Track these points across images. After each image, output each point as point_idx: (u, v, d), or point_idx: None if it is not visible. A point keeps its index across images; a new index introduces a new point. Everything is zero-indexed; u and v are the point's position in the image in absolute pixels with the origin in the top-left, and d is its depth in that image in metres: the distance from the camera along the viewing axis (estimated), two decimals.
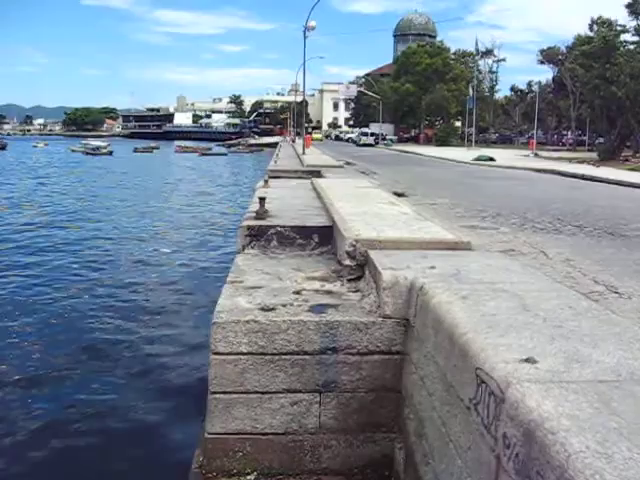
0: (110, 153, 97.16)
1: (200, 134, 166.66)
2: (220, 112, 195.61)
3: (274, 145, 74.87)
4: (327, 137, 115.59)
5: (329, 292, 6.68)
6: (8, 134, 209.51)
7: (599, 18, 57.23)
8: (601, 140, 62.56)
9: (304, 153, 35.39)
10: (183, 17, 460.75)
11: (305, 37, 37.58)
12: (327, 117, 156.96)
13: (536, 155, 50.62)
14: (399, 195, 13.42)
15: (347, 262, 7.16)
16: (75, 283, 16.61)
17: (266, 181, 13.31)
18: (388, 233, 7.59)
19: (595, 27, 56.97)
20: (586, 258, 7.78)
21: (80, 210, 32.91)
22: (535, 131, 72.79)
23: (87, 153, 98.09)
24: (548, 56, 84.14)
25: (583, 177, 26.47)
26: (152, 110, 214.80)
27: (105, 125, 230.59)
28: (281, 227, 8.87)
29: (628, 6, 54.64)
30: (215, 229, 26.62)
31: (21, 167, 69.51)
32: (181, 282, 16.95)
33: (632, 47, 51.34)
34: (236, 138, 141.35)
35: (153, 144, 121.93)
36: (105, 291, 15.89)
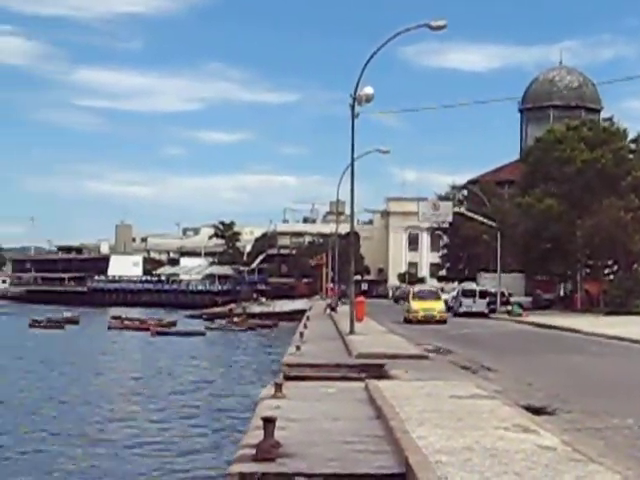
0: None
1: (158, 295, 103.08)
2: (196, 254, 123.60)
3: (298, 315, 47.80)
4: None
5: None
6: None
7: None
8: None
9: (352, 332, 22.83)
10: (123, 80, 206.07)
11: (354, 116, 23.67)
12: (397, 262, 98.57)
13: None
14: (536, 412, 9.72)
15: None
16: None
17: (279, 385, 8.42)
18: None
19: None
20: None
21: None
22: None
23: None
24: None
25: None
26: (68, 250, 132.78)
27: None
28: (306, 477, 5.90)
29: None
30: None
31: None
32: None
33: None
34: (225, 303, 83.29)
35: (68, 314, 68.93)
36: None
